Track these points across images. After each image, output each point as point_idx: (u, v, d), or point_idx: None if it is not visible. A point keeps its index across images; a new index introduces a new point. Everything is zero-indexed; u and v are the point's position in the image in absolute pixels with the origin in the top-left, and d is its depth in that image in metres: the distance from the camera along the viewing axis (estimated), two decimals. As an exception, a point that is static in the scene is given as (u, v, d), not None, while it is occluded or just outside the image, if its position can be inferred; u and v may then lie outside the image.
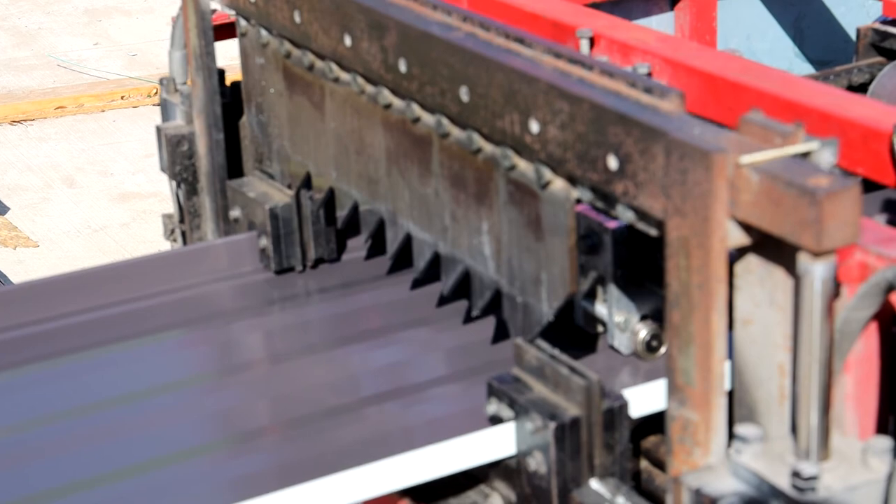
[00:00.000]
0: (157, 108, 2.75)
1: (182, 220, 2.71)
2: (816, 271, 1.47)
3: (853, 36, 3.07)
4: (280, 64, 2.42)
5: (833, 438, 1.56)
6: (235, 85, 2.64)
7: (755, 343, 1.61)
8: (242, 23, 2.50)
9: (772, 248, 1.55)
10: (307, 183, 2.43)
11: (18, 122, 6.90)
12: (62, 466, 1.97)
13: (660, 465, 2.07)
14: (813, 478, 1.49)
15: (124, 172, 6.30)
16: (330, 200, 2.41)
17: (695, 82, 2.39)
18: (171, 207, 2.87)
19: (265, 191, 2.51)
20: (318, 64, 2.31)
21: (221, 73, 2.60)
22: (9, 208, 5.97)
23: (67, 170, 6.37)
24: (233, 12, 2.51)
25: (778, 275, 1.56)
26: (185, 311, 2.41)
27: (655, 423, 1.97)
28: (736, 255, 1.60)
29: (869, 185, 2.20)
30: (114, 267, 2.48)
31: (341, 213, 2.35)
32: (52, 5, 8.60)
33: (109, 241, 5.65)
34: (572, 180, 1.83)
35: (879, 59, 2.91)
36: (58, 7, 8.58)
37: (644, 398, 1.94)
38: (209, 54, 2.51)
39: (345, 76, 2.25)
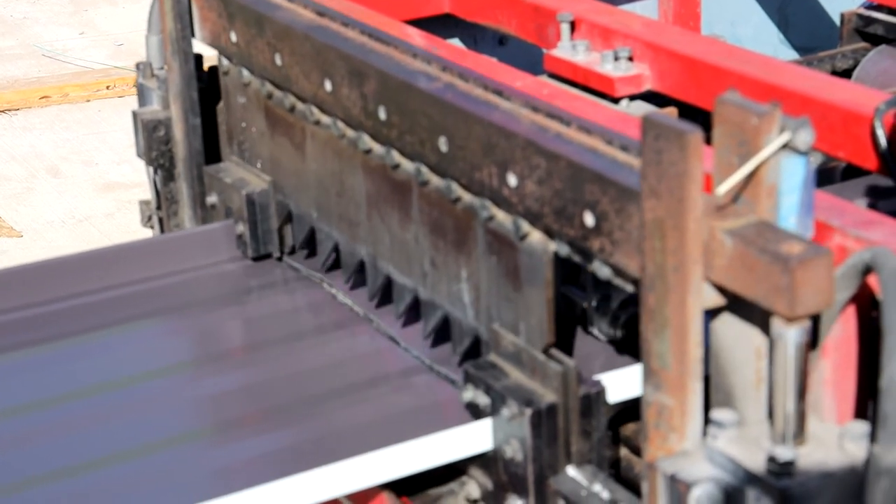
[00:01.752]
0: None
1: (159, 207, 2.68)
2: (790, 336, 1.48)
3: (838, 22, 3.05)
4: (262, 104, 2.42)
5: (810, 423, 1.54)
6: (213, 70, 2.61)
7: (732, 326, 1.59)
8: (224, 62, 2.50)
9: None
10: (288, 221, 2.41)
11: (2, 111, 6.86)
12: (43, 455, 1.95)
13: (639, 452, 2.05)
14: (789, 463, 1.47)
15: (109, 162, 6.27)
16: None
17: (676, 66, 2.37)
18: (155, 197, 2.83)
19: (242, 176, 2.48)
20: (300, 106, 2.30)
21: (199, 57, 2.57)
22: (-8, 198, 5.95)
23: (52, 160, 6.33)
24: (215, 51, 2.50)
25: (754, 257, 1.54)
26: (164, 298, 2.39)
27: (635, 410, 1.95)
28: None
29: (850, 170, 2.18)
30: (94, 254, 2.46)
31: (322, 254, 2.34)
32: (37, -5, 8.56)
33: (94, 231, 5.63)
34: (550, 234, 1.81)
35: (863, 44, 2.89)
36: (43, -4, 8.54)
37: (621, 384, 1.92)
38: (185, 38, 2.49)
39: (325, 119, 2.24)
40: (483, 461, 1.92)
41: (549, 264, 1.82)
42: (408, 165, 2.07)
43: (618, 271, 1.70)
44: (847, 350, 1.58)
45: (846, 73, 2.83)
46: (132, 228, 5.50)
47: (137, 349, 2.25)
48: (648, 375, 1.59)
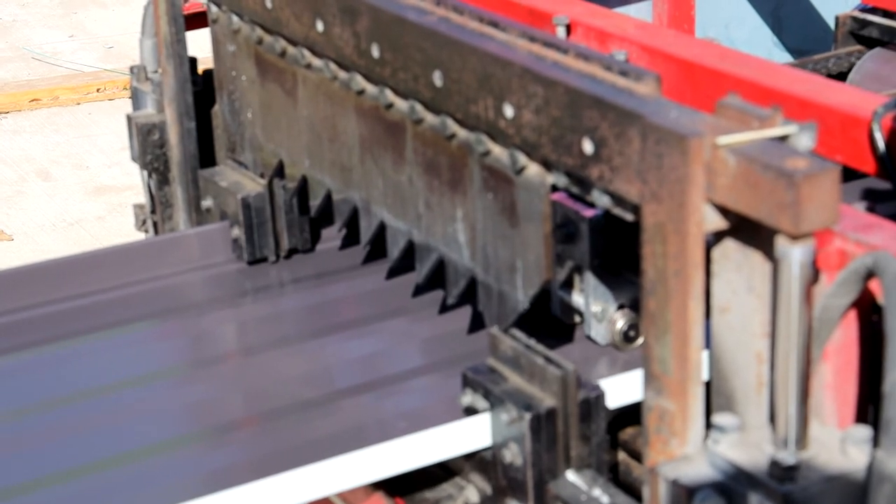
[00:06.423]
0: (132, 99, 2.75)
1: (154, 211, 2.68)
2: (794, 255, 1.44)
3: (832, 25, 3.05)
4: (252, 51, 2.39)
5: (812, 427, 1.53)
6: (207, 73, 2.60)
7: (733, 331, 1.58)
8: (213, 9, 2.47)
9: (749, 232, 1.53)
10: (280, 172, 2.40)
11: (-7, 114, 6.85)
12: (33, 460, 1.93)
13: (638, 456, 2.05)
14: (791, 467, 1.47)
15: (100, 165, 6.26)
16: (303, 189, 2.38)
17: (672, 69, 2.36)
18: (146, 201, 2.82)
19: (238, 180, 2.48)
20: (291, 50, 2.28)
21: (193, 60, 2.57)
22: (-17, 201, 5.93)
23: (42, 163, 6.32)
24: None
25: (755, 260, 1.53)
26: (157, 301, 2.38)
27: (633, 414, 1.94)
28: (713, 241, 1.57)
29: (848, 173, 2.18)
30: (86, 256, 2.44)
31: (315, 202, 2.33)
32: (27, -3, 8.54)
33: (85, 234, 5.62)
34: (547, 165, 1.80)
35: (858, 47, 2.89)
36: (33, -1, 8.52)
37: (621, 388, 1.91)
38: (180, 42, 2.48)
39: (317, 62, 2.22)
40: (482, 465, 1.91)
41: (547, 198, 1.80)
42: (401, 104, 2.04)
43: (617, 199, 1.68)
44: (849, 354, 1.58)
45: (841, 76, 2.83)
46: (123, 231, 5.49)
47: (132, 352, 2.24)
48: (650, 380, 1.59)
